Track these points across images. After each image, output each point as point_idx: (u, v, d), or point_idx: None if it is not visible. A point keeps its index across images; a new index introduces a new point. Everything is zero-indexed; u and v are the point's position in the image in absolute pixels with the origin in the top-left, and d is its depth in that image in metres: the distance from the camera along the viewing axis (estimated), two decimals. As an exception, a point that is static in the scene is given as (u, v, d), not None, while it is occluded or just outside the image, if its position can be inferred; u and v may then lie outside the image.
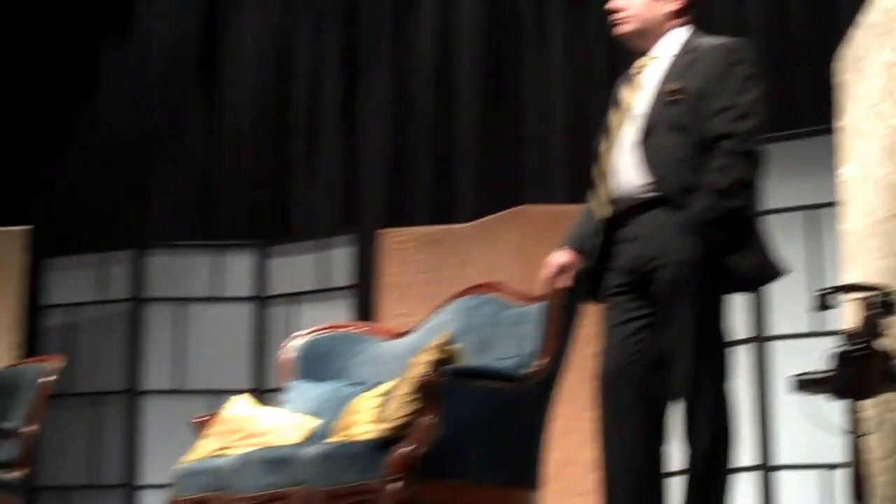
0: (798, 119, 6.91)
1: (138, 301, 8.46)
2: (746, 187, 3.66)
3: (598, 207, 3.89)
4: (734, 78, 3.73)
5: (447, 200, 8.25)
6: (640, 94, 3.86)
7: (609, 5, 3.96)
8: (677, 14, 3.93)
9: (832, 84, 5.43)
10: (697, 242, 3.62)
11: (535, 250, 6.76)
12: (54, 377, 6.70)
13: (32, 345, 8.48)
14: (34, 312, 8.65)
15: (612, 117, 3.92)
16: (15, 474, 6.42)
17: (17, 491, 6.37)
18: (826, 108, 5.75)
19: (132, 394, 8.33)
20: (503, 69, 8.37)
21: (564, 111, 8.06)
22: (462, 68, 8.48)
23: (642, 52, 3.96)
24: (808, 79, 7.03)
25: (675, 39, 3.91)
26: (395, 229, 7.86)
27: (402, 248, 7.66)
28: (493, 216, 7.52)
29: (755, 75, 3.78)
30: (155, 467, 8.09)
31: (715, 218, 3.60)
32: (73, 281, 8.73)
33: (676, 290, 3.65)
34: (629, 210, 3.80)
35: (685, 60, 3.82)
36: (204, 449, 5.26)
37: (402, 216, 8.22)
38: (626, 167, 3.79)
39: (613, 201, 3.83)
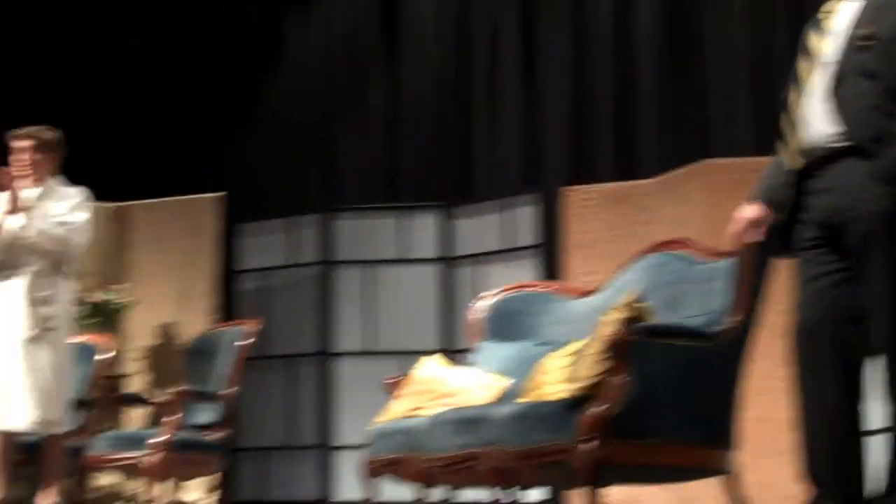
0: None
1: (327, 264, 8.61)
2: None
3: (789, 158, 3.81)
4: None
5: (631, 156, 8.15)
6: (829, 41, 3.75)
7: None
8: None
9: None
10: (892, 193, 3.52)
11: (722, 205, 6.62)
12: (251, 340, 6.88)
13: (228, 309, 8.71)
14: (229, 277, 8.89)
15: (801, 65, 3.81)
16: (216, 436, 6.63)
17: (219, 452, 6.57)
18: None
19: (325, 356, 8.49)
20: (684, 20, 8.23)
21: (749, 61, 7.88)
22: (642, 21, 8.36)
23: None
24: None
25: None
26: (580, 187, 7.81)
27: (586, 205, 7.62)
28: (678, 171, 7.41)
29: None
30: (348, 428, 8.24)
31: None
32: (265, 245, 8.93)
33: (871, 243, 3.55)
34: (820, 160, 3.69)
35: (876, 3, 3.70)
36: (397, 410, 5.34)
37: (585, 173, 8.16)
38: (816, 116, 3.69)
39: (804, 152, 3.74)
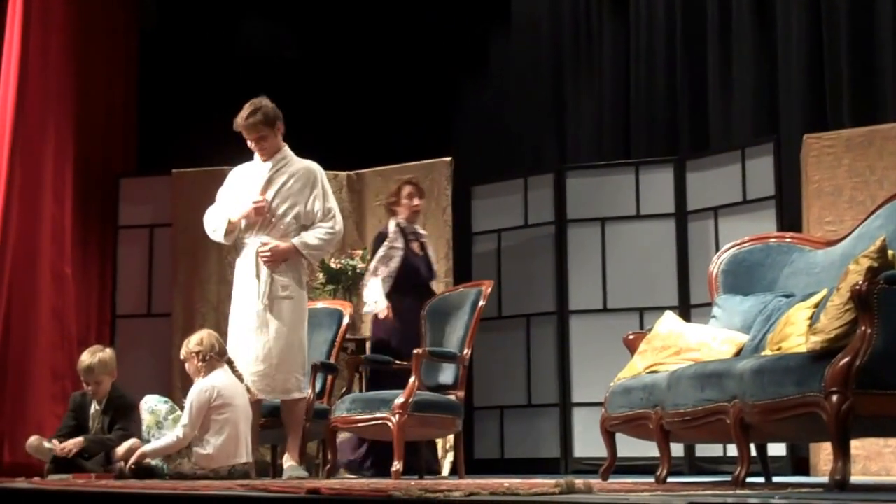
0: None
1: (561, 223, 8.59)
2: None
3: None
4: None
5: (872, 100, 7.86)
6: None
7: None
8: None
9: None
10: None
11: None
12: (487, 301, 6.93)
13: (465, 271, 8.79)
14: (465, 239, 8.97)
15: None
16: (455, 396, 6.70)
17: (458, 412, 6.65)
18: None
19: (561, 314, 8.49)
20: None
21: None
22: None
23: None
24: None
25: None
26: (819, 134, 7.55)
27: (827, 152, 7.37)
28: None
29: None
30: (585, 386, 8.23)
31: None
32: (499, 207, 8.97)
33: None
34: None
35: None
36: (636, 366, 5.30)
37: (823, 120, 7.91)
38: None
39: None
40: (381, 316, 7.24)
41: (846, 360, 3.92)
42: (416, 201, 7.42)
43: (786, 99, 8.21)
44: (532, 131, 9.61)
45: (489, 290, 6.93)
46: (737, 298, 5.43)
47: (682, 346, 5.14)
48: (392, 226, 7.38)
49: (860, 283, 4.00)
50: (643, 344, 5.40)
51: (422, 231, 7.55)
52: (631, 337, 5.59)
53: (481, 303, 6.84)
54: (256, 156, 6.47)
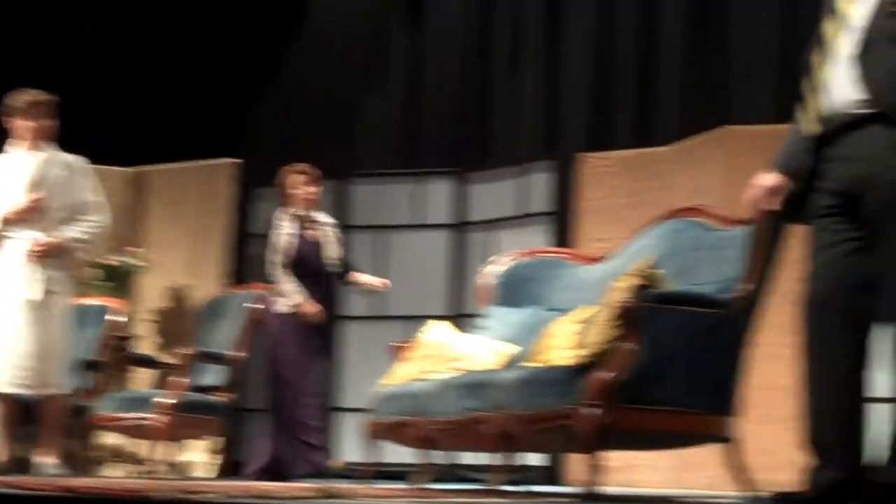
0: None
1: (342, 228, 8.54)
2: None
3: (808, 124, 3.70)
4: None
5: (649, 123, 8.07)
6: (858, 4, 3.64)
7: None
8: None
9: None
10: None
11: (740, 172, 6.51)
12: (262, 305, 6.84)
13: (241, 273, 8.67)
14: (242, 242, 8.84)
15: (828, 27, 3.70)
16: (223, 398, 6.60)
17: (225, 414, 6.55)
18: None
19: (334, 319, 8.44)
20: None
21: (772, 26, 7.78)
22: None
23: None
24: None
25: None
26: (596, 153, 7.73)
27: (603, 172, 7.55)
28: (696, 137, 7.34)
29: None
30: (354, 391, 8.21)
31: None
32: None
33: (889, 213, 3.47)
34: (841, 127, 3.60)
35: None
36: (403, 374, 5.29)
37: (603, 140, 8.09)
38: (840, 81, 3.59)
39: (824, 118, 3.64)
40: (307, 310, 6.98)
41: (607, 374, 4.00)
42: (311, 188, 7.08)
43: (568, 117, 8.37)
44: (319, 137, 9.55)
45: (262, 293, 6.84)
46: (507, 310, 5.48)
47: (450, 355, 5.15)
48: (284, 214, 7.09)
49: (626, 300, 4.09)
50: (412, 352, 5.40)
51: (324, 219, 7.19)
52: (398, 344, 5.58)
53: (254, 305, 6.75)
54: (15, 146, 6.19)
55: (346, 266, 7.10)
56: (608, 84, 8.31)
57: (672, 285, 4.42)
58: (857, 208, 3.57)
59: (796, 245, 4.00)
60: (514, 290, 5.58)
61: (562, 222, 7.84)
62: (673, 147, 7.51)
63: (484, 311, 5.60)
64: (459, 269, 8.28)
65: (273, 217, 7.08)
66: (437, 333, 5.41)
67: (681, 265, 4.67)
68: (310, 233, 7.02)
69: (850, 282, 3.58)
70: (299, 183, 7.05)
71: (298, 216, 7.02)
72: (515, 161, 8.28)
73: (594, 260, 5.50)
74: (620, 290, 4.17)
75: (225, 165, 8.52)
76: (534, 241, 7.52)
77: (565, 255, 5.68)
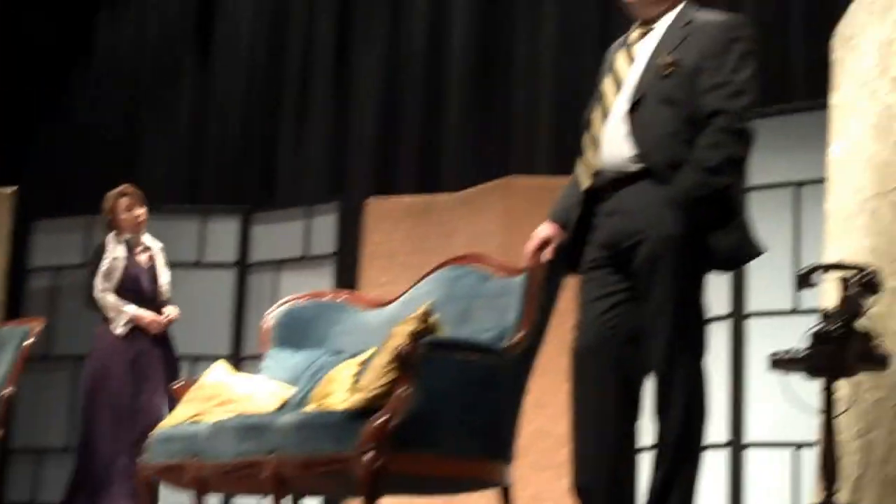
0: (793, 94, 6.86)
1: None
2: (735, 165, 3.63)
3: (584, 178, 3.85)
4: (730, 55, 3.68)
5: (434, 170, 8.21)
6: (633, 64, 3.82)
7: None
8: None
9: (828, 60, 5.40)
10: (681, 218, 3.59)
11: (520, 222, 6.72)
12: (33, 339, 6.66)
13: (17, 306, 8.44)
14: (20, 274, 8.61)
15: (605, 85, 3.86)
16: (-9, 435, 6.39)
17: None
18: (821, 85, 5.71)
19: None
20: (494, 39, 8.31)
21: (554, 81, 8.00)
22: (452, 37, 8.42)
23: (639, 21, 3.91)
24: (804, 54, 6.96)
25: (674, 11, 3.86)
26: (381, 198, 7.81)
27: (387, 217, 7.62)
28: (479, 187, 7.47)
29: (751, 53, 3.74)
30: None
31: (701, 195, 3.57)
32: (59, 243, 8.68)
33: (656, 266, 3.61)
34: (613, 182, 3.75)
35: (680, 33, 3.78)
36: (180, 415, 5.22)
37: (388, 185, 8.17)
38: (613, 138, 3.74)
39: (598, 172, 3.79)
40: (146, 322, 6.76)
41: (382, 419, 4.03)
42: (137, 211, 6.88)
43: (355, 161, 8.44)
44: (103, 170, 9.37)
45: (37, 327, 6.68)
46: (288, 352, 5.46)
47: (228, 396, 5.11)
48: (111, 238, 6.89)
49: (403, 344, 4.13)
50: (190, 392, 5.34)
51: (153, 243, 7.02)
52: (178, 386, 5.51)
53: (27, 341, 6.58)
54: None
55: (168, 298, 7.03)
56: (394, 130, 8.42)
57: (450, 332, 4.49)
58: (625, 261, 3.71)
59: (570, 296, 4.12)
60: (296, 332, 5.57)
61: (346, 265, 7.88)
62: (455, 195, 7.63)
63: (264, 353, 5.58)
64: (242, 310, 8.23)
65: (105, 242, 6.90)
66: (216, 374, 5.36)
67: (460, 312, 4.75)
68: (140, 258, 6.92)
69: (616, 333, 3.71)
70: (124, 207, 6.90)
71: (127, 241, 6.89)
72: (301, 202, 8.29)
73: (377, 304, 5.53)
74: (398, 336, 4.22)
75: (2, 195, 8.29)
76: (318, 283, 7.54)
77: (348, 299, 5.71)
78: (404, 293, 5.26)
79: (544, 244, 4.07)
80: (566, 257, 3.97)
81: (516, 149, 8.03)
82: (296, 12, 9.02)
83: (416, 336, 4.18)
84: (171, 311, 6.91)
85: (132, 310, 6.73)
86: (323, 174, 8.59)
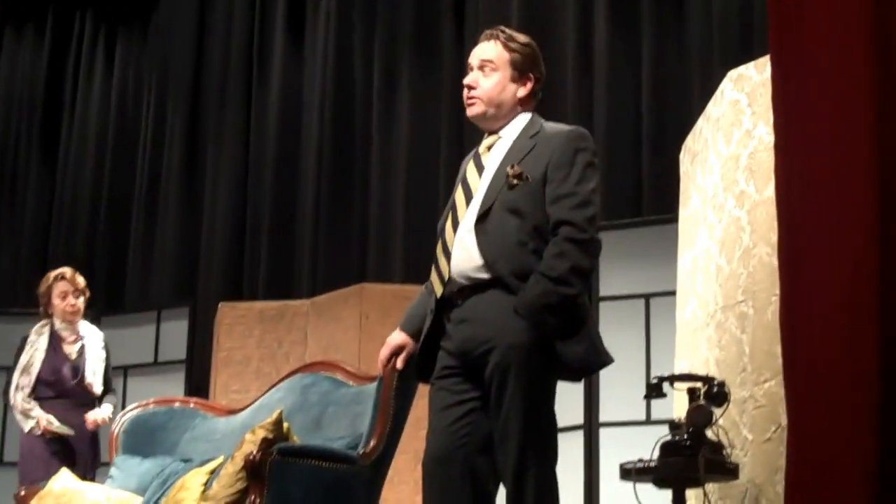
0: (641, 207, 7.05)
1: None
2: (581, 275, 3.68)
3: (436, 286, 3.87)
4: (575, 166, 3.75)
5: (287, 276, 8.22)
6: (483, 175, 3.87)
7: (466, 81, 3.96)
8: (526, 100, 3.95)
9: (677, 173, 5.56)
10: (529, 327, 3.62)
11: (374, 329, 6.75)
12: None
13: None
14: None
15: (456, 195, 3.91)
16: None
17: None
18: (671, 198, 5.87)
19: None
20: (347, 145, 8.41)
21: (409, 190, 8.11)
22: (306, 141, 8.49)
23: (489, 132, 3.97)
24: (652, 168, 7.17)
25: (519, 122, 3.93)
26: (233, 303, 7.78)
27: (240, 322, 7.58)
28: (333, 293, 7.50)
29: (594, 164, 3.82)
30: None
31: (548, 304, 3.61)
32: None
33: (506, 374, 3.63)
34: (463, 291, 3.78)
35: (527, 144, 3.85)
36: (23, 524, 5.09)
37: (240, 290, 8.15)
38: (463, 247, 3.78)
39: (449, 281, 3.81)
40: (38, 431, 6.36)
41: (229, 527, 3.99)
42: (71, 300, 6.51)
43: (206, 265, 8.39)
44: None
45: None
46: (136, 460, 5.36)
47: (73, 505, 5.00)
48: (35, 329, 6.53)
49: (253, 452, 4.10)
50: (35, 500, 5.21)
51: (90, 333, 6.62)
52: (23, 493, 5.37)
53: None
54: None
55: (107, 388, 6.59)
56: (249, 236, 8.41)
57: (303, 439, 4.47)
58: (476, 370, 3.72)
59: (425, 403, 4.14)
60: (144, 439, 5.47)
61: (197, 371, 7.80)
62: (309, 301, 7.64)
63: (113, 460, 5.47)
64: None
65: (28, 334, 6.55)
66: (63, 481, 5.24)
67: (312, 419, 4.73)
68: (70, 349, 6.52)
69: (467, 442, 3.71)
70: (58, 293, 6.53)
71: (55, 331, 6.55)
72: (151, 306, 8.20)
73: (227, 411, 5.48)
74: (249, 443, 4.20)
75: None
76: (168, 389, 7.45)
77: (198, 405, 5.64)
78: (256, 400, 5.23)
79: (397, 352, 4.07)
80: (419, 365, 3.96)
81: (370, 256, 8.09)
82: (146, 111, 9.01)
83: (267, 443, 4.16)
84: (97, 414, 6.44)
85: (38, 414, 6.35)
86: (173, 278, 8.53)
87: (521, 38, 3.97)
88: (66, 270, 6.63)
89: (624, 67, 7.43)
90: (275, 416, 4.33)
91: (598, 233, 3.76)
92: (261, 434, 4.21)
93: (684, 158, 5.40)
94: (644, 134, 7.31)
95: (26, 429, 6.45)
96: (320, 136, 8.48)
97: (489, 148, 3.94)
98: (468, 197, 3.86)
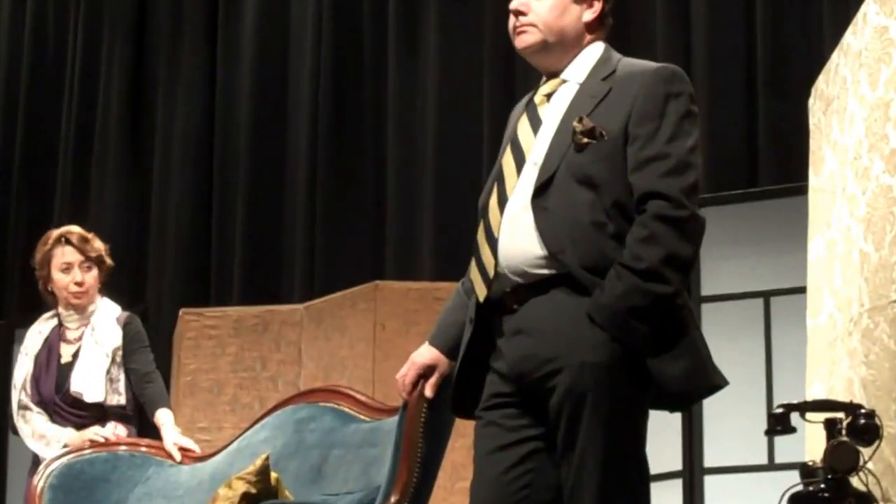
0: (764, 173, 7.01)
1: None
2: (680, 266, 3.66)
3: (477, 285, 3.84)
4: (666, 117, 3.73)
5: (273, 271, 8.24)
6: (541, 132, 3.85)
7: (512, 5, 3.95)
8: (594, 26, 3.94)
9: (807, 128, 5.52)
10: (610, 340, 3.61)
11: (394, 342, 6.75)
12: None
13: None
14: None
15: (504, 161, 3.88)
16: None
17: None
18: (801, 160, 5.81)
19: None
20: (352, 93, 8.45)
21: (440, 154, 8.11)
22: (296, 89, 8.56)
23: (547, 74, 3.96)
24: (777, 118, 7.11)
25: (588, 58, 3.93)
26: (199, 309, 7.80)
27: (208, 335, 7.59)
28: (336, 295, 7.49)
29: (693, 114, 3.79)
30: None
31: (635, 306, 3.59)
32: None
33: (580, 404, 3.61)
34: (518, 291, 3.74)
35: (600, 89, 3.83)
36: None
37: (207, 292, 8.17)
38: (516, 232, 3.75)
39: (496, 278, 3.77)
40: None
41: None
42: (77, 275, 5.99)
43: (159, 256, 8.47)
44: None
45: None
46: (66, 520, 5.40)
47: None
48: (35, 326, 6.18)
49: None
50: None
51: (101, 316, 6.10)
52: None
53: None
54: None
55: (149, 400, 6.02)
56: (217, 215, 8.50)
57: (297, 494, 4.49)
58: (537, 399, 3.70)
59: (465, 445, 4.15)
60: (80, 495, 5.50)
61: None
62: (304, 306, 7.64)
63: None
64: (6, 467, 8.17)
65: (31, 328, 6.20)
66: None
67: (312, 466, 4.77)
68: (67, 349, 6.08)
69: (528, 496, 3.69)
70: (61, 263, 6.02)
71: (60, 322, 6.14)
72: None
73: (195, 457, 5.51)
74: (225, 500, 4.22)
75: None
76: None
77: (153, 449, 5.66)
78: (233, 441, 5.25)
79: (424, 374, 4.09)
80: (456, 392, 3.94)
81: (388, 245, 8.10)
82: (72, 43, 9.13)
83: (249, 499, 4.18)
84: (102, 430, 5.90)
85: (58, 436, 5.87)
86: (112, 273, 8.57)
87: None
88: (73, 230, 6.10)
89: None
90: (259, 463, 4.36)
91: (699, 208, 3.72)
92: (240, 488, 4.24)
93: (815, 106, 5.38)
94: (759, 73, 7.27)
95: (56, 448, 5.86)
96: (314, 80, 8.50)
97: (548, 96, 3.92)
98: (520, 162, 3.84)
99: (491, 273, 3.79)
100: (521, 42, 3.93)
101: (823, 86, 5.33)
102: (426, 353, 4.07)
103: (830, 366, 4.95)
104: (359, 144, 8.39)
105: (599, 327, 3.62)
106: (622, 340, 3.62)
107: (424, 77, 8.26)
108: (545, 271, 3.72)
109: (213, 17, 8.89)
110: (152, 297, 8.40)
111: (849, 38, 4.97)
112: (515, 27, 3.92)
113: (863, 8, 4.83)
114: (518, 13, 3.92)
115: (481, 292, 3.82)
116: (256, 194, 8.47)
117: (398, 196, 8.18)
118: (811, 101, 5.48)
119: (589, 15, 3.93)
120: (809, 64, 5.92)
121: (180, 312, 7.72)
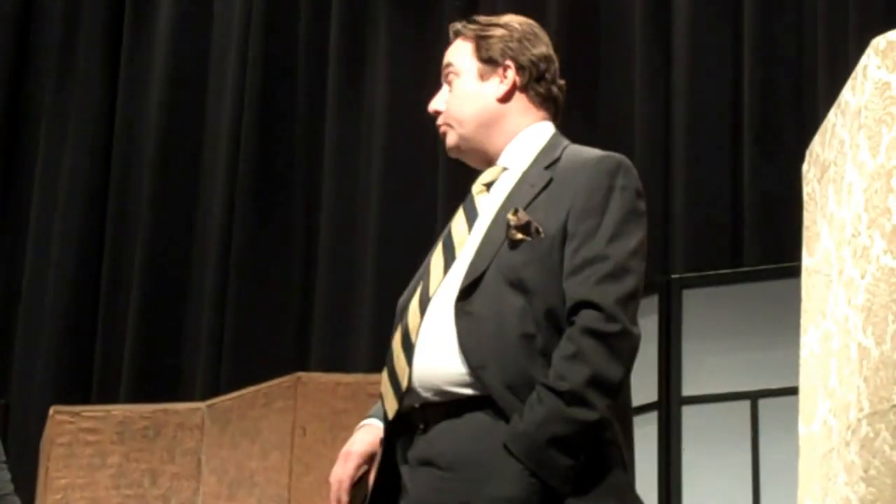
0: (749, 251, 7.34)
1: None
2: (607, 390, 3.87)
3: (388, 400, 4.04)
4: (608, 214, 3.98)
5: (168, 359, 8.44)
6: (474, 226, 4.09)
7: (429, 108, 4.24)
8: (512, 98, 4.20)
9: (800, 197, 5.78)
10: (528, 473, 3.79)
11: (315, 450, 6.93)
12: None
13: None
14: None
15: (433, 258, 4.11)
16: None
17: None
18: (792, 236, 5.99)
19: None
20: (281, 135, 8.67)
21: (383, 218, 8.41)
22: (214, 124, 8.83)
23: (486, 164, 4.19)
24: (765, 184, 7.43)
25: (531, 144, 4.19)
26: (74, 407, 8.07)
27: (84, 441, 7.85)
28: (247, 390, 7.75)
29: (638, 211, 4.05)
30: None
31: (555, 436, 3.78)
32: None
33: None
34: (427, 410, 3.97)
35: (540, 179, 4.08)
36: None
37: (87, 385, 8.37)
38: (435, 340, 3.97)
39: (408, 393, 3.99)
40: None
41: None
42: None
43: (26, 338, 8.71)
44: None
45: None
46: None
47: None
48: None
49: None
50: None
51: None
52: None
53: None
54: None
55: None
56: (105, 285, 8.75)
57: None
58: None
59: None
60: None
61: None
62: (206, 404, 7.94)
63: None
64: None
65: None
66: None
67: None
68: None
69: None
70: None
71: None
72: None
73: None
74: None
75: None
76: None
77: None
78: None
79: (369, 467, 4.20)
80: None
81: (314, 327, 8.25)
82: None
83: None
84: None
85: None
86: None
87: (497, 18, 4.22)
88: None
89: (714, 30, 7.67)
90: None
91: (634, 322, 3.93)
92: None
93: (809, 173, 5.57)
94: (745, 133, 7.52)
95: None
96: (236, 114, 8.74)
97: (488, 186, 4.18)
98: (449, 260, 4.05)
99: (404, 384, 4.00)
100: (446, 145, 4.23)
101: (819, 149, 5.53)
102: (367, 439, 4.22)
103: (825, 482, 5.07)
104: (285, 202, 8.57)
105: (516, 459, 3.80)
106: (541, 475, 3.79)
107: (370, 121, 8.58)
108: (463, 391, 3.94)
109: (116, 35, 9.13)
110: (16, 389, 8.74)
111: (847, 94, 5.15)
112: (439, 129, 4.20)
113: (862, 60, 5.01)
114: (436, 113, 4.21)
115: (391, 407, 4.03)
116: (157, 261, 8.63)
117: (330, 268, 8.39)
118: (805, 166, 5.68)
119: (500, 88, 4.19)
120: (802, 122, 6.10)
121: (51, 410, 7.94)
